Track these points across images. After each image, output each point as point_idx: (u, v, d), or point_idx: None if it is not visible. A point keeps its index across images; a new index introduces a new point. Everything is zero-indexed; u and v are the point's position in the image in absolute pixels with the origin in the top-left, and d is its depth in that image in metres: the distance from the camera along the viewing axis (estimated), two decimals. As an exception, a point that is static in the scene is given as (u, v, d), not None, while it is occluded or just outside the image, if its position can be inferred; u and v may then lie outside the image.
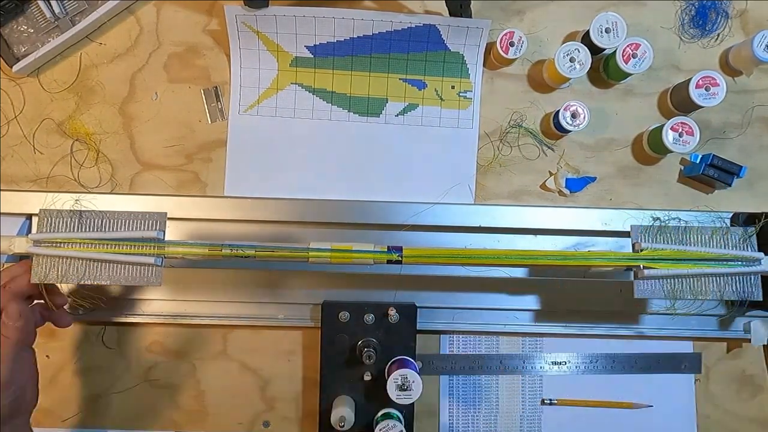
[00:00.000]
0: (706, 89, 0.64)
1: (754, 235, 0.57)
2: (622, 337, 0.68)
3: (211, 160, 0.68)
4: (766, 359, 0.66)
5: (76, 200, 0.57)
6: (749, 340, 0.66)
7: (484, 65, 0.69)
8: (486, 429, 0.68)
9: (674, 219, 0.58)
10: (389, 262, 0.56)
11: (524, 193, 0.69)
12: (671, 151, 0.66)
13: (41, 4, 0.65)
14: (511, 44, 0.65)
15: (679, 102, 0.68)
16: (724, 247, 0.57)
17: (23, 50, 0.66)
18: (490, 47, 0.68)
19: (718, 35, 0.69)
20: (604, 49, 0.66)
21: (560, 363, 0.68)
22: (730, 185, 0.67)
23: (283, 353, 0.68)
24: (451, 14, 0.65)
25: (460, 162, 0.69)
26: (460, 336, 0.68)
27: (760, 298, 0.56)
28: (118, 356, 0.68)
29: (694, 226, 0.57)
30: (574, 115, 0.65)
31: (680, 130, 0.65)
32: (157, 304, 0.66)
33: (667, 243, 0.57)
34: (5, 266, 0.57)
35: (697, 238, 0.57)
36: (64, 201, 0.57)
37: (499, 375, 0.69)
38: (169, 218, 0.56)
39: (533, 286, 0.67)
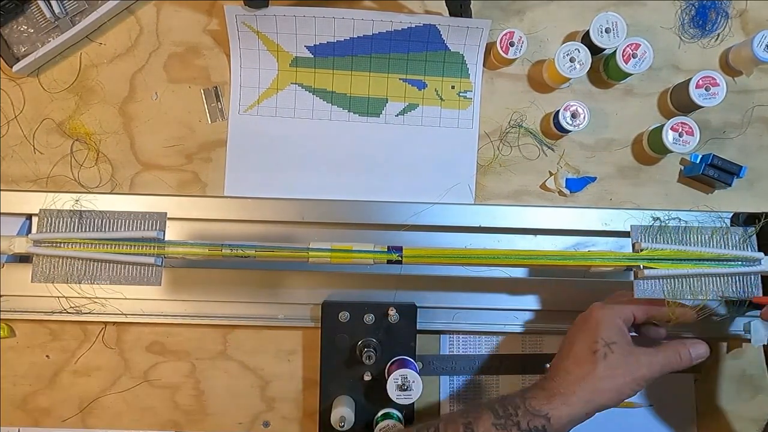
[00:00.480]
0: (706, 89, 0.64)
1: (754, 235, 0.57)
2: (622, 337, 0.68)
3: (211, 160, 0.68)
4: (766, 359, 0.66)
5: (76, 200, 0.57)
6: (749, 340, 0.65)
7: (484, 65, 0.69)
8: (486, 429, 0.68)
9: (674, 219, 0.58)
10: (389, 262, 0.56)
11: (524, 193, 0.69)
12: (671, 151, 0.66)
13: (41, 4, 0.65)
14: (511, 44, 0.65)
15: (679, 102, 0.68)
16: (724, 247, 0.57)
17: (23, 50, 0.66)
18: (490, 47, 0.68)
19: (718, 35, 0.69)
20: (604, 49, 0.66)
21: (560, 363, 0.68)
22: (730, 185, 0.67)
23: (283, 353, 0.68)
24: (451, 14, 0.65)
25: (460, 162, 0.69)
26: (460, 336, 0.68)
27: (761, 298, 0.56)
28: (118, 356, 0.68)
29: (694, 226, 0.57)
30: (574, 115, 0.65)
31: (680, 130, 0.65)
32: (157, 304, 0.66)
33: (667, 243, 0.56)
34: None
35: (697, 238, 0.57)
36: (64, 201, 0.57)
37: (499, 375, 0.68)
38: (169, 218, 0.56)
39: (533, 286, 0.67)
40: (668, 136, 0.64)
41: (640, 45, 0.64)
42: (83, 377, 0.68)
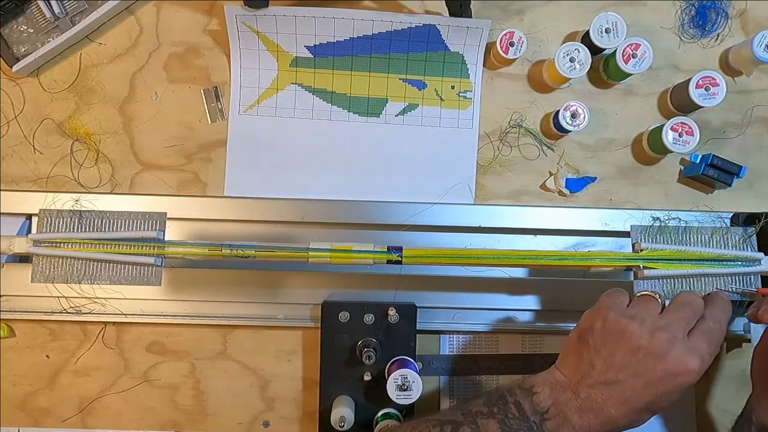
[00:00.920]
0: (706, 89, 0.64)
1: (754, 235, 0.57)
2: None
3: (211, 160, 0.68)
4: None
5: (76, 200, 0.57)
6: (749, 340, 0.65)
7: (484, 65, 0.69)
8: (486, 429, 0.68)
9: (674, 219, 0.58)
10: (389, 262, 0.56)
11: (524, 193, 0.69)
12: (671, 151, 0.66)
13: (41, 4, 0.65)
14: (511, 44, 0.65)
15: (679, 102, 0.68)
16: (724, 247, 0.57)
17: (23, 50, 0.66)
18: (490, 47, 0.68)
19: (718, 35, 0.69)
20: (604, 49, 0.65)
21: (560, 363, 0.68)
22: (730, 185, 0.67)
23: (283, 353, 0.68)
24: (451, 14, 0.65)
25: (460, 162, 0.69)
26: (460, 336, 0.68)
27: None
28: (117, 356, 0.68)
29: (693, 226, 0.57)
30: (574, 115, 0.65)
31: (680, 130, 0.65)
32: (157, 304, 0.66)
33: (667, 243, 0.57)
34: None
35: (697, 238, 0.57)
36: (64, 201, 0.57)
37: (499, 375, 0.68)
38: (169, 218, 0.56)
39: (533, 286, 0.67)
40: (668, 136, 0.64)
41: (640, 45, 0.64)
42: (83, 377, 0.68)
